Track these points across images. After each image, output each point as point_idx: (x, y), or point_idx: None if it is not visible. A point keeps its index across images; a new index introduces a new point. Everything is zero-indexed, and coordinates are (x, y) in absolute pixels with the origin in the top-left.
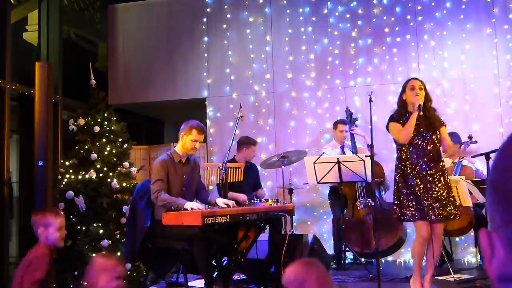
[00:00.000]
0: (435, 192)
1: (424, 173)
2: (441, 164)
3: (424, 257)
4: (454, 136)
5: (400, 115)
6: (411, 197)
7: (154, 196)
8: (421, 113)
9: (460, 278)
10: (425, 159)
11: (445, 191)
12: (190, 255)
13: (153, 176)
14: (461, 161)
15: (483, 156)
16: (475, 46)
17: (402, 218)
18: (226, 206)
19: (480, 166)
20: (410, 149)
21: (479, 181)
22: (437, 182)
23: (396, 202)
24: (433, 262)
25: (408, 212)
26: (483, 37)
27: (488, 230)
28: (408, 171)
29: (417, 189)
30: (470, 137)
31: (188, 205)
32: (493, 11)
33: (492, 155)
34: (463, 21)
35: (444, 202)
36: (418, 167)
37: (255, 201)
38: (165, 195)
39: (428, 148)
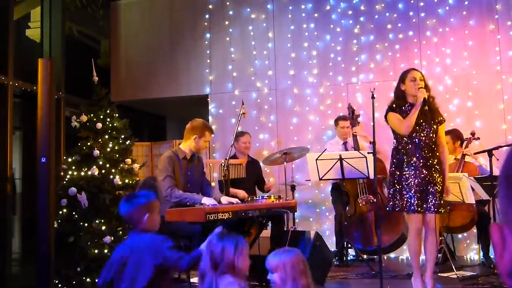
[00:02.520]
0: (431, 184)
1: (420, 165)
2: (437, 157)
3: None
4: (454, 132)
5: (399, 106)
6: (405, 188)
7: (167, 193)
8: (426, 107)
9: (463, 275)
10: (422, 151)
11: (440, 185)
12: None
13: (160, 173)
14: (464, 157)
15: (486, 152)
16: (478, 43)
17: (395, 209)
18: (229, 203)
19: (483, 162)
20: (408, 140)
21: (482, 178)
22: (433, 174)
23: (390, 193)
24: (432, 258)
25: (402, 204)
26: (486, 34)
27: (499, 224)
28: (405, 162)
29: (412, 180)
30: (472, 134)
31: (205, 200)
32: (496, 7)
33: (495, 152)
34: (466, 18)
35: (438, 194)
36: (415, 158)
37: (258, 197)
38: (179, 191)
39: (426, 140)
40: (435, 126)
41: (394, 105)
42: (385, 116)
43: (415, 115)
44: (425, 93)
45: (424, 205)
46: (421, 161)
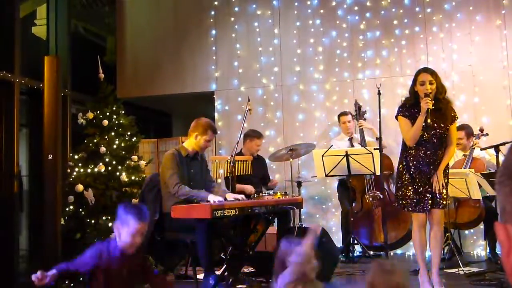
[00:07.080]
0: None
1: (428, 164)
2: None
3: (428, 250)
4: (466, 128)
5: (410, 106)
6: (411, 186)
7: (175, 190)
8: (429, 120)
9: (469, 271)
10: (430, 150)
11: (445, 182)
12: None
13: (165, 170)
14: (472, 152)
15: (493, 148)
16: (485, 38)
17: (400, 207)
18: (235, 200)
19: (490, 158)
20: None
21: (489, 174)
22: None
23: (397, 191)
24: (437, 254)
25: (406, 202)
26: (493, 29)
27: (503, 223)
28: (413, 160)
29: (418, 178)
30: (481, 130)
31: (211, 198)
32: (503, 2)
33: (502, 148)
34: (472, 13)
35: (444, 190)
36: (422, 157)
37: (264, 194)
38: (186, 188)
39: (436, 140)
40: (444, 126)
41: (403, 108)
42: (396, 117)
43: (419, 126)
44: (430, 104)
45: (430, 204)
46: (429, 160)
